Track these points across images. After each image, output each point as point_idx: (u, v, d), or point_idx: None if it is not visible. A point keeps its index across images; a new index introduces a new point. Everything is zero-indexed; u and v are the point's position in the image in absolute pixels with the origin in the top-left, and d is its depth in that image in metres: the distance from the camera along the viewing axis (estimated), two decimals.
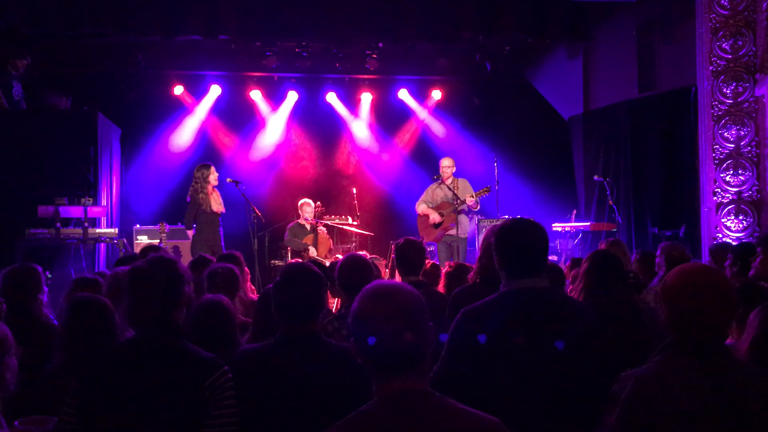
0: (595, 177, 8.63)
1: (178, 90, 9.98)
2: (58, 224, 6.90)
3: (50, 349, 2.90)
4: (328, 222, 8.78)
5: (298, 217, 8.55)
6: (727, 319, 1.99)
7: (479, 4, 8.35)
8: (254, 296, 4.36)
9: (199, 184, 7.49)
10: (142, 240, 8.47)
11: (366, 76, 10.23)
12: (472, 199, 7.93)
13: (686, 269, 2.03)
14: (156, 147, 9.97)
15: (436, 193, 8.33)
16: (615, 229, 8.14)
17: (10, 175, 7.17)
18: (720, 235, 7.07)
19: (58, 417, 2.13)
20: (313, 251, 8.25)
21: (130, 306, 2.17)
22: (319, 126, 10.67)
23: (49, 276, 4.97)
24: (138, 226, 8.83)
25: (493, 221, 8.00)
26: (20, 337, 2.32)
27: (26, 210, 6.91)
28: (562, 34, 8.74)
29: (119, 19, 7.92)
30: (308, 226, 8.45)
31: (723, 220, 7.11)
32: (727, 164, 7.10)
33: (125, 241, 7.70)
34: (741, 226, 7.03)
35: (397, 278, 4.63)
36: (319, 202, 8.84)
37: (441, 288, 4.42)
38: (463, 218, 8.10)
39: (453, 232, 8.03)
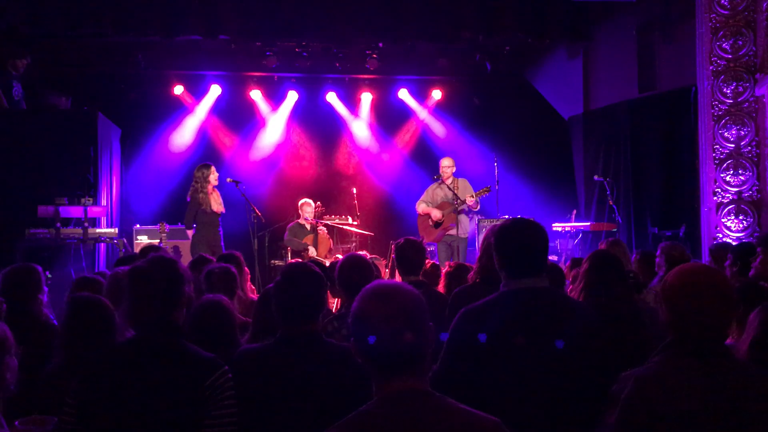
0: (595, 177, 8.63)
1: (178, 90, 9.98)
2: (58, 224, 6.90)
3: (50, 349, 2.90)
4: (328, 222, 8.78)
5: (298, 217, 8.56)
6: (727, 319, 1.99)
7: (479, 4, 8.35)
8: (254, 296, 4.36)
9: (199, 184, 7.49)
10: (142, 240, 8.47)
11: (366, 76, 10.23)
12: (472, 199, 7.93)
13: (686, 269, 2.03)
14: (156, 147, 9.97)
15: (436, 193, 8.33)
16: (615, 229, 8.14)
17: (10, 175, 7.16)
18: (720, 235, 7.07)
19: (58, 417, 2.13)
20: (312, 251, 8.25)
21: (130, 306, 2.17)
22: (319, 126, 10.67)
23: (49, 276, 4.98)
24: (138, 226, 8.83)
25: (493, 221, 8.00)
26: (20, 337, 2.32)
27: (26, 210, 6.91)
28: (562, 34, 8.74)
29: (119, 19, 7.92)
30: (308, 226, 8.45)
31: (723, 220, 7.11)
32: (727, 164, 7.10)
33: (125, 241, 7.70)
34: (741, 226, 7.03)
35: (397, 278, 4.63)
36: (319, 202, 8.84)
37: (441, 288, 4.42)
38: (463, 218, 8.10)
39: (453, 232, 8.03)
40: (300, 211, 8.50)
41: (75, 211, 7.02)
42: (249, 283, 4.62)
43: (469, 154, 10.25)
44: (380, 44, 9.16)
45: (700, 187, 7.36)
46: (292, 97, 10.39)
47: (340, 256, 5.97)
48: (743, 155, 7.05)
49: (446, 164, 8.27)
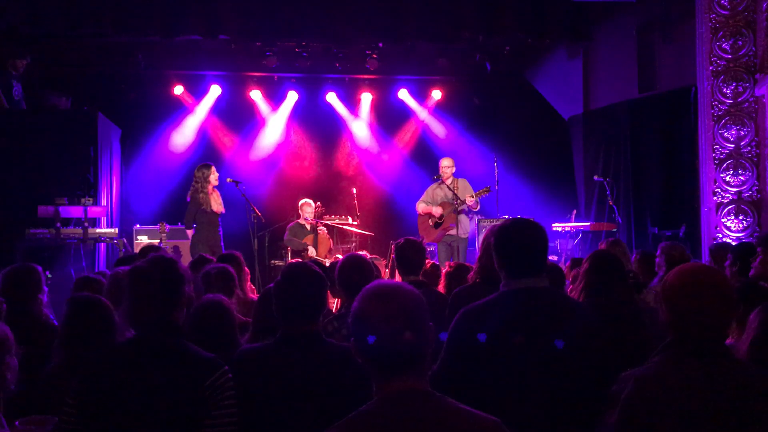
0: (595, 177, 8.63)
1: (178, 90, 9.98)
2: (58, 224, 6.90)
3: (50, 349, 2.90)
4: (328, 222, 8.79)
5: (298, 217, 8.56)
6: (727, 319, 1.99)
7: (479, 4, 8.35)
8: (254, 296, 4.36)
9: (199, 184, 7.49)
10: (142, 240, 8.47)
11: (366, 76, 10.23)
12: (472, 199, 7.93)
13: (686, 269, 2.03)
14: (156, 147, 9.97)
15: (436, 193, 8.33)
16: (615, 229, 8.15)
17: (10, 175, 7.17)
18: (720, 235, 7.07)
19: (58, 417, 2.13)
20: (312, 251, 8.25)
21: (130, 306, 2.17)
22: (319, 126, 10.67)
23: (49, 276, 4.98)
24: (138, 226, 8.83)
25: (493, 221, 8.00)
26: (20, 337, 2.32)
27: (26, 210, 6.91)
28: (562, 34, 8.73)
29: (119, 19, 7.92)
30: (308, 226, 8.45)
31: (723, 220, 7.11)
32: (727, 164, 7.10)
33: (125, 241, 7.71)
34: (741, 226, 7.03)
35: (397, 278, 4.63)
36: (319, 202, 8.84)
37: (441, 288, 4.42)
38: (463, 218, 8.10)
39: (453, 232, 8.03)
40: (300, 211, 8.50)
41: (75, 211, 7.02)
42: (249, 283, 4.61)
43: (469, 154, 10.26)
44: (380, 44, 9.16)
45: (700, 187, 7.36)
46: (292, 97, 10.39)
47: (340, 256, 5.97)
48: (743, 155, 7.05)
49: (446, 164, 8.27)
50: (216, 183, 7.63)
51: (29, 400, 2.59)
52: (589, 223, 8.39)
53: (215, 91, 10.13)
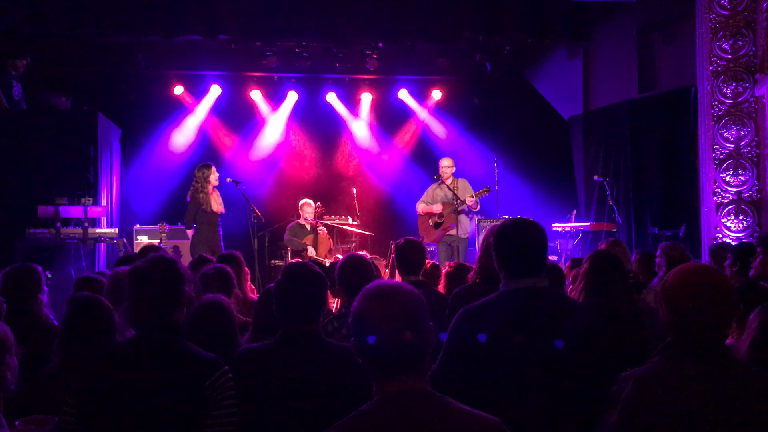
0: (595, 177, 8.63)
1: (178, 90, 9.98)
2: (58, 224, 6.90)
3: (50, 349, 2.90)
4: (328, 222, 8.79)
5: (299, 217, 8.56)
6: (727, 319, 1.99)
7: (479, 4, 8.35)
8: (254, 296, 4.36)
9: (199, 184, 7.50)
10: (142, 240, 8.47)
11: (366, 76, 10.23)
12: (471, 199, 7.93)
13: (686, 269, 2.03)
14: (156, 147, 9.97)
15: (436, 193, 8.33)
16: (615, 229, 8.15)
17: (10, 175, 7.17)
18: (720, 235, 7.07)
19: (58, 417, 2.13)
20: (311, 251, 8.25)
21: (131, 306, 2.17)
22: (319, 126, 10.67)
23: (49, 276, 4.98)
24: (138, 226, 8.83)
25: (493, 221, 8.00)
26: (20, 337, 2.32)
27: (26, 210, 6.91)
28: (562, 34, 8.73)
29: (119, 19, 7.92)
30: (308, 226, 8.45)
31: (723, 220, 7.11)
32: (727, 164, 7.10)
33: (125, 241, 7.71)
34: (741, 226, 7.03)
35: (397, 278, 4.63)
36: (319, 203, 8.84)
37: (441, 288, 4.42)
38: (463, 218, 8.10)
39: (453, 232, 8.03)
40: (300, 212, 8.51)
41: (75, 211, 7.02)
42: (249, 283, 4.61)
43: (469, 155, 10.26)
44: (380, 44, 9.15)
45: (700, 187, 7.36)
46: (292, 97, 10.39)
47: (340, 256, 5.97)
48: (743, 155, 7.05)
49: (446, 164, 8.27)
50: (216, 183, 7.64)
51: (29, 400, 2.59)
52: (589, 223, 8.39)
53: (215, 91, 10.13)
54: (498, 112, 10.58)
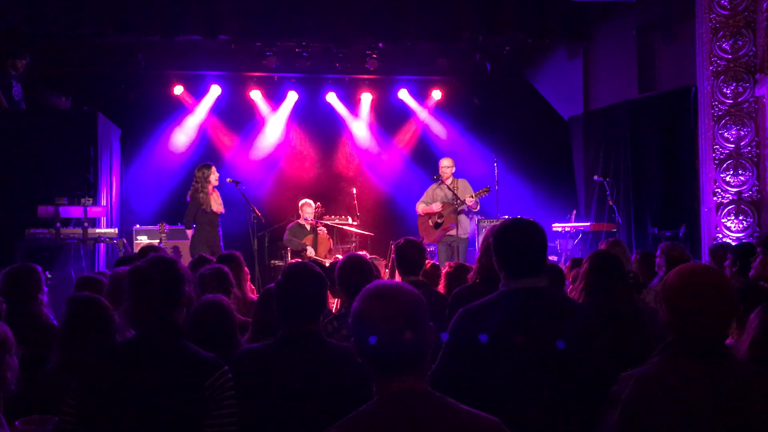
0: (595, 177, 8.63)
1: (178, 90, 9.98)
2: (58, 224, 6.90)
3: (50, 349, 2.90)
4: (328, 222, 8.79)
5: (298, 217, 8.56)
6: (727, 319, 1.99)
7: (479, 4, 8.35)
8: (254, 296, 4.35)
9: (199, 184, 7.50)
10: (142, 240, 8.47)
11: (366, 76, 10.23)
12: (471, 199, 7.93)
13: (686, 269, 2.03)
14: (156, 147, 9.97)
15: (436, 193, 8.33)
16: (615, 230, 8.14)
17: (10, 175, 7.16)
18: (720, 236, 7.07)
19: (58, 417, 2.13)
20: (311, 251, 8.25)
21: (131, 306, 2.17)
22: (319, 126, 10.67)
23: (49, 276, 4.98)
24: (138, 226, 8.83)
25: (493, 221, 8.00)
26: (20, 337, 2.32)
27: (26, 210, 6.90)
28: (562, 34, 8.73)
29: (119, 19, 7.91)
30: (308, 227, 8.45)
31: (723, 221, 7.12)
32: (727, 164, 7.10)
33: (125, 241, 7.71)
34: (741, 226, 7.03)
35: (397, 278, 4.63)
36: (319, 203, 8.85)
37: (441, 288, 4.42)
38: (463, 218, 8.10)
39: (453, 232, 8.03)
40: (300, 212, 8.51)
41: (75, 211, 7.02)
42: (249, 283, 4.61)
43: (469, 155, 10.26)
44: (380, 44, 9.15)
45: (700, 188, 7.36)
46: (292, 97, 10.39)
47: (340, 257, 5.97)
48: (743, 155, 7.05)
49: (446, 164, 8.27)
50: (216, 183, 7.65)
51: (29, 400, 2.59)
52: (589, 224, 8.39)
53: (215, 91, 10.13)
54: (498, 112, 10.57)
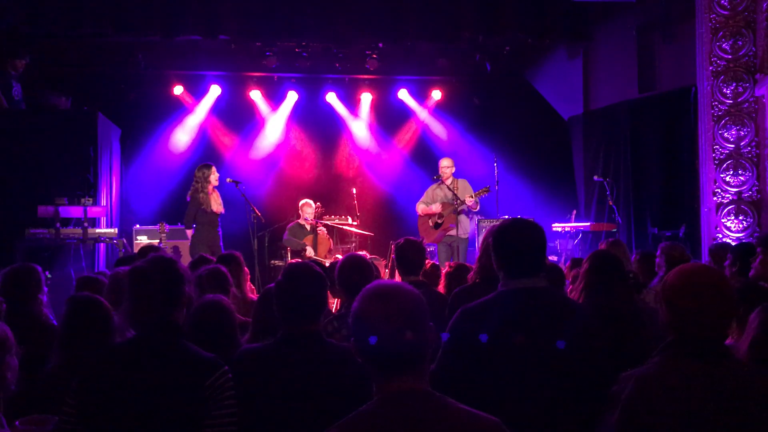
0: (595, 177, 8.63)
1: (178, 90, 9.98)
2: (58, 224, 6.90)
3: (50, 349, 2.90)
4: (327, 222, 8.79)
5: (299, 217, 8.56)
6: (727, 319, 1.99)
7: (479, 4, 8.35)
8: (254, 296, 4.35)
9: (200, 184, 7.51)
10: (142, 240, 8.47)
11: (366, 76, 10.23)
12: (471, 199, 7.93)
13: (686, 269, 2.03)
14: (156, 147, 9.98)
15: (436, 193, 8.33)
16: (615, 230, 8.15)
17: (10, 175, 7.17)
18: (720, 236, 7.07)
19: (58, 417, 2.13)
20: (310, 251, 8.26)
21: (131, 306, 2.17)
22: (319, 126, 10.67)
23: (49, 276, 4.98)
24: (138, 226, 8.83)
25: (493, 221, 8.00)
26: (20, 337, 2.32)
27: (26, 210, 6.90)
28: (562, 34, 8.73)
29: (119, 19, 7.92)
30: (308, 227, 8.46)
31: (723, 221, 7.12)
32: (727, 164, 7.10)
33: (125, 241, 7.70)
34: (741, 226, 7.03)
35: (397, 278, 4.63)
36: (318, 203, 8.85)
37: (441, 288, 4.42)
38: (463, 218, 8.10)
39: (453, 232, 8.03)
40: (300, 212, 8.51)
41: (75, 211, 7.02)
42: (249, 283, 4.61)
43: (469, 155, 10.26)
44: (380, 44, 9.16)
45: (700, 188, 7.36)
46: (292, 97, 10.39)
47: (339, 257, 5.97)
48: (743, 155, 7.05)
49: (445, 164, 8.27)
50: (216, 183, 7.65)
51: (29, 400, 2.59)
52: (589, 224, 8.39)
53: (215, 91, 10.13)
54: (498, 112, 10.57)
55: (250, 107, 10.40)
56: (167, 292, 2.15)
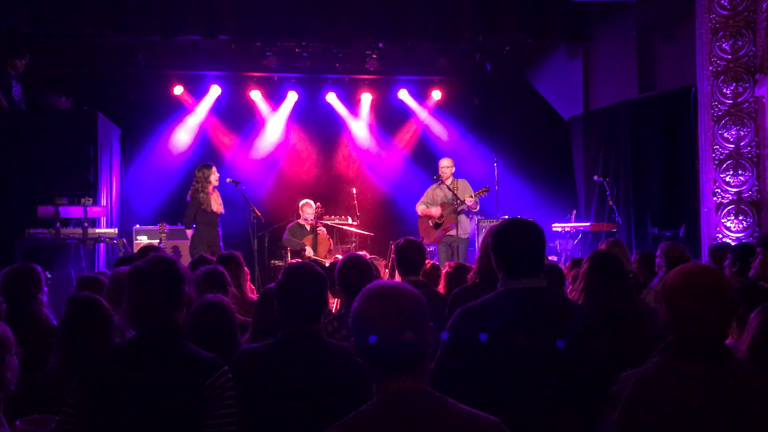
0: (595, 177, 8.63)
1: (178, 90, 9.98)
2: (58, 224, 6.89)
3: (50, 349, 2.90)
4: (327, 222, 8.79)
5: (299, 217, 8.56)
6: (727, 319, 1.99)
7: (479, 4, 8.35)
8: (254, 296, 4.35)
9: (200, 184, 7.51)
10: (142, 240, 8.47)
11: (366, 76, 10.23)
12: (471, 199, 7.92)
13: (686, 269, 2.03)
14: (156, 147, 9.98)
15: (436, 193, 8.33)
16: (615, 230, 8.15)
17: (10, 175, 7.16)
18: (720, 236, 7.07)
19: (58, 417, 2.13)
20: (310, 251, 8.26)
21: (131, 306, 2.17)
22: (319, 126, 10.67)
23: (49, 276, 4.98)
24: (138, 226, 8.83)
25: (493, 221, 8.00)
26: (20, 337, 2.32)
27: (26, 210, 6.90)
28: (562, 34, 8.73)
29: (119, 19, 7.92)
30: (308, 227, 8.46)
31: (723, 221, 7.12)
32: (727, 164, 7.10)
33: (125, 241, 7.71)
34: (741, 226, 7.03)
35: (397, 278, 4.63)
36: (318, 203, 8.85)
37: (441, 288, 4.42)
38: (463, 218, 8.10)
39: (453, 232, 8.03)
40: (300, 212, 8.51)
41: (75, 211, 7.02)
42: (249, 283, 4.61)
43: (469, 155, 10.26)
44: (380, 44, 9.16)
45: (699, 188, 7.36)
46: (292, 97, 10.39)
47: (339, 257, 5.97)
48: (743, 156, 7.05)
49: (445, 164, 8.27)
50: (216, 183, 7.66)
51: (29, 400, 2.59)
52: (589, 224, 8.39)
53: (215, 91, 10.13)
54: (498, 112, 10.58)
55: (250, 107, 10.40)
56: (167, 292, 2.15)
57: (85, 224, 7.00)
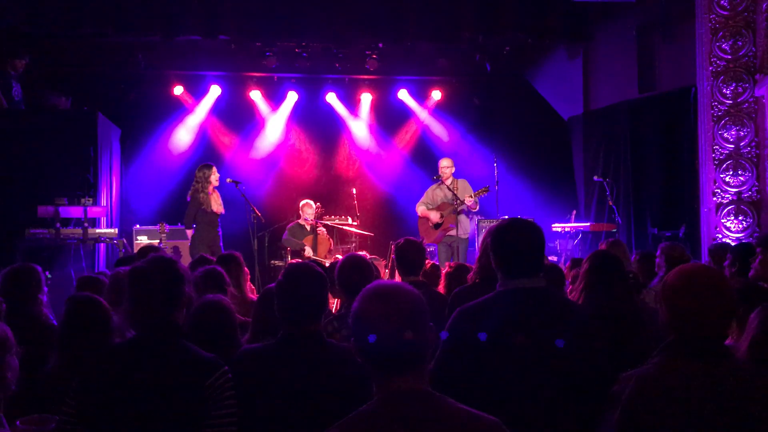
0: (595, 177, 8.63)
1: (178, 90, 9.98)
2: (58, 224, 6.90)
3: (50, 349, 2.90)
4: (327, 222, 8.79)
5: (299, 217, 8.56)
6: (727, 319, 1.99)
7: (479, 4, 8.36)
8: (254, 296, 4.35)
9: (200, 184, 7.51)
10: (142, 240, 8.47)
11: (366, 77, 10.23)
12: (471, 199, 7.92)
13: (686, 269, 2.03)
14: (156, 147, 9.98)
15: (435, 193, 8.33)
16: (615, 230, 8.15)
17: (10, 175, 7.17)
18: (720, 236, 7.07)
19: (58, 417, 2.13)
20: (309, 251, 8.26)
21: (131, 306, 2.17)
22: (319, 126, 10.67)
23: (49, 276, 4.98)
24: (138, 226, 8.83)
25: (493, 221, 8.00)
26: (20, 337, 2.32)
27: (26, 210, 6.91)
28: (562, 34, 8.74)
29: (119, 19, 7.92)
30: (308, 227, 8.46)
31: (723, 221, 7.12)
32: (727, 165, 7.10)
33: (125, 241, 7.71)
34: (741, 226, 7.03)
35: (397, 278, 4.63)
36: (318, 203, 8.85)
37: (441, 288, 4.42)
38: (463, 219, 8.10)
39: (453, 232, 8.03)
40: (300, 212, 8.51)
41: (75, 212, 7.02)
42: (249, 283, 4.61)
43: (469, 155, 10.26)
44: (380, 44, 9.16)
45: (699, 188, 7.36)
46: (292, 97, 10.39)
47: (339, 257, 5.98)
48: (743, 156, 7.06)
49: (445, 165, 8.27)
50: (216, 183, 7.65)
51: (29, 400, 2.59)
52: (588, 224, 8.39)
53: (215, 91, 10.13)
54: (498, 112, 10.58)
55: (250, 107, 10.40)
56: (167, 293, 2.15)
57: (85, 224, 7.01)
